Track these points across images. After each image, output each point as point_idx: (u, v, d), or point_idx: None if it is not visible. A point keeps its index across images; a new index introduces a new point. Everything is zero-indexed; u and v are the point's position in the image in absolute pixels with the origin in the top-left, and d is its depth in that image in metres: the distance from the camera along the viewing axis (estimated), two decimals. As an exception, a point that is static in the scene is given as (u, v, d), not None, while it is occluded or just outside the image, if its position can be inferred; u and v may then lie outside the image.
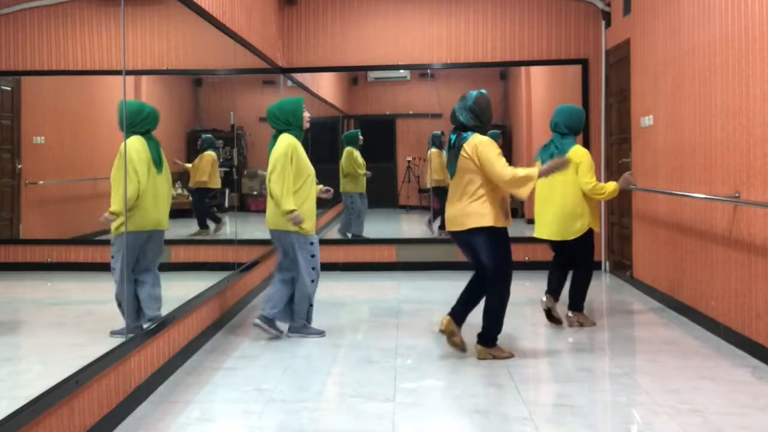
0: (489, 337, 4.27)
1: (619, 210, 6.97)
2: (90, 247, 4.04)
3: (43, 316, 3.65)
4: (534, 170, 4.15)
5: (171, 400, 3.67)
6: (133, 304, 3.80)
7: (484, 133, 4.23)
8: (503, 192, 4.20)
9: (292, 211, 4.56)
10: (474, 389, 3.79)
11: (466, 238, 4.23)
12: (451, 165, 4.27)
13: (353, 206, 8.29)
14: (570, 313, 5.09)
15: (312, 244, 4.77)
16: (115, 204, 3.66)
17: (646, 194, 6.07)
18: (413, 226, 9.28)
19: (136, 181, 3.74)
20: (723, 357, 4.30)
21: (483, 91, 4.28)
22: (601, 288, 6.62)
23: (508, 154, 8.14)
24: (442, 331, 4.36)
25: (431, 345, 4.63)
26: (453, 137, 4.28)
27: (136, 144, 3.81)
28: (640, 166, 6.26)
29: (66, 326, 3.64)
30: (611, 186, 4.88)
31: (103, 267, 3.96)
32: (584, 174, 4.83)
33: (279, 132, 4.75)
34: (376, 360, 4.32)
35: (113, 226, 3.69)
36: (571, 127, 4.96)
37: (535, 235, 5.12)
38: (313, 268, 4.77)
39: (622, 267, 6.89)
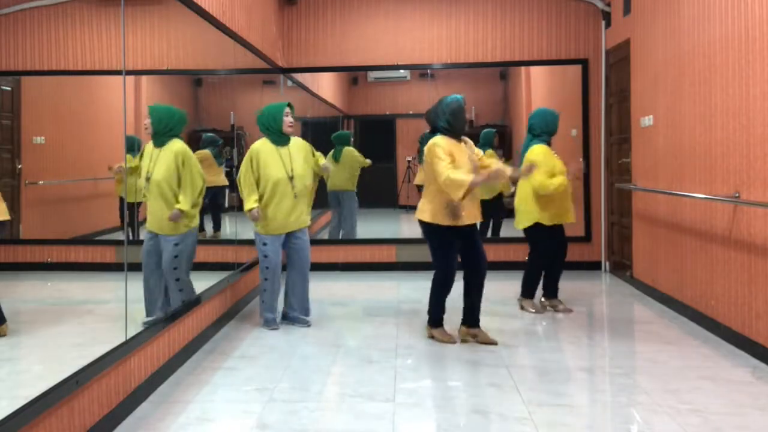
0: (432, 318, 4.76)
1: (619, 210, 6.97)
2: (90, 247, 4.04)
3: (43, 316, 3.64)
4: (470, 177, 4.34)
5: (171, 400, 3.67)
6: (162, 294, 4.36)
7: (456, 136, 4.56)
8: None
9: (250, 210, 4.94)
10: (474, 389, 3.79)
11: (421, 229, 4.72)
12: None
13: (354, 206, 8.30)
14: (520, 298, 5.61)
15: (265, 244, 5.05)
16: (187, 203, 4.28)
17: (646, 194, 6.07)
18: (413, 226, 9.27)
19: (202, 181, 4.40)
20: (723, 357, 4.30)
21: (458, 96, 4.58)
22: (601, 288, 6.62)
23: (508, 153, 8.14)
24: (464, 341, 4.67)
25: (431, 345, 4.63)
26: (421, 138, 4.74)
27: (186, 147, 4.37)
28: (640, 166, 6.26)
29: (66, 326, 3.64)
30: (558, 180, 5.20)
31: (104, 267, 3.96)
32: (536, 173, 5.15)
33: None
34: (376, 360, 4.32)
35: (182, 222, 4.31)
36: (545, 129, 5.35)
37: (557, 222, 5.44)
38: (266, 267, 5.07)
39: (622, 267, 6.88)
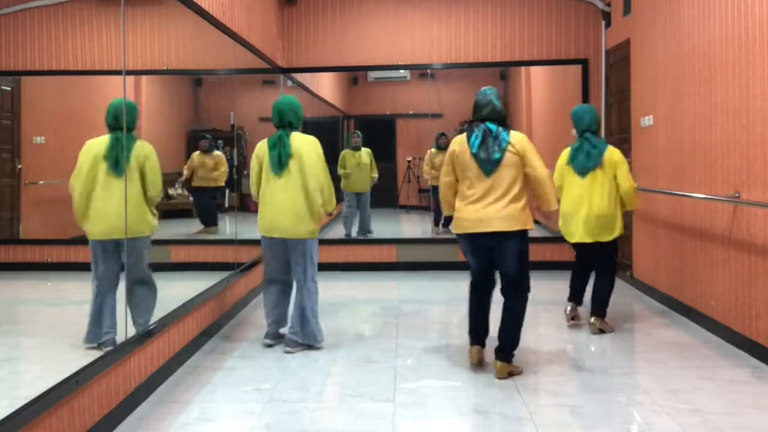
0: (512, 351, 3.99)
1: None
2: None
3: (43, 316, 3.64)
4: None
5: (171, 400, 3.67)
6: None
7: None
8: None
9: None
10: (474, 389, 3.79)
11: (503, 241, 3.87)
12: (491, 162, 3.86)
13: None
14: (593, 319, 4.89)
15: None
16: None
17: (646, 194, 6.07)
18: (413, 226, 9.29)
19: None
20: (723, 357, 4.30)
21: (486, 88, 4.09)
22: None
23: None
24: (475, 364, 4.10)
25: (431, 345, 4.63)
26: (493, 128, 3.90)
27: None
28: (640, 166, 6.26)
29: (66, 326, 3.64)
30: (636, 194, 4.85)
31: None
32: (627, 174, 4.74)
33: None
34: (376, 360, 4.32)
35: None
36: (597, 125, 4.90)
37: (571, 240, 4.89)
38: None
39: (622, 267, 6.88)
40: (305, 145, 4.43)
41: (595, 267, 4.98)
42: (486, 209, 3.87)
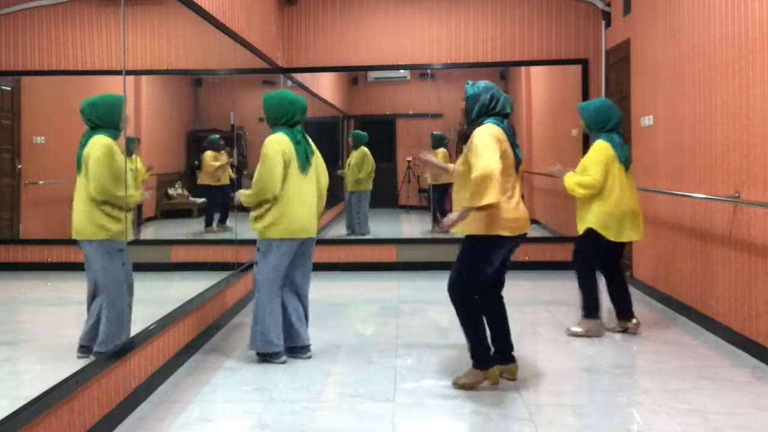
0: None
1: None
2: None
3: (43, 316, 3.64)
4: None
5: (171, 400, 3.67)
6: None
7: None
8: None
9: None
10: (474, 389, 3.79)
11: (520, 241, 3.81)
12: (519, 160, 3.80)
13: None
14: (635, 320, 4.85)
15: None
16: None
17: (646, 194, 6.07)
18: (413, 226, 9.28)
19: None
20: (723, 357, 4.30)
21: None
22: (601, 288, 6.60)
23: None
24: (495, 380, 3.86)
25: (431, 345, 4.63)
26: (511, 126, 3.85)
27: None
28: (640, 166, 6.26)
29: (66, 326, 3.64)
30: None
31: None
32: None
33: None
34: (376, 360, 4.32)
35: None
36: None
37: (622, 239, 4.70)
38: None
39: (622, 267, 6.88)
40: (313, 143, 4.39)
41: (615, 266, 4.91)
42: (523, 208, 3.74)
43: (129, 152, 3.86)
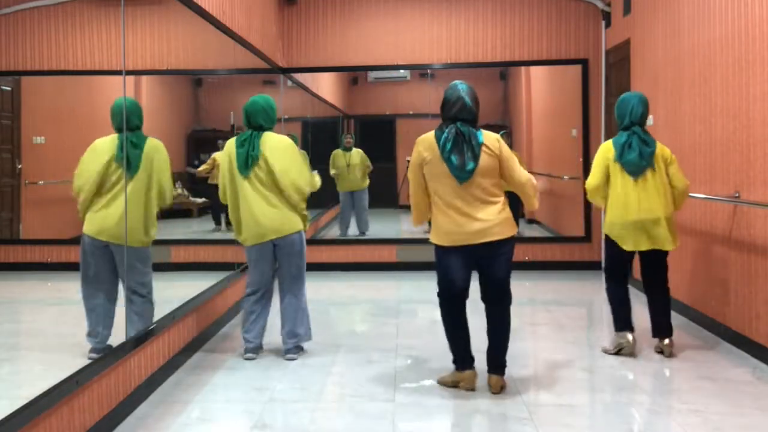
0: (505, 363, 3.75)
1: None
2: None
3: (43, 316, 3.64)
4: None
5: (171, 400, 3.67)
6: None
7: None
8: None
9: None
10: (474, 389, 3.79)
11: (498, 249, 3.61)
12: (466, 168, 3.52)
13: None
14: (667, 341, 4.37)
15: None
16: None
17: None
18: (413, 226, 9.29)
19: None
20: (723, 357, 4.30)
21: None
22: (601, 288, 6.59)
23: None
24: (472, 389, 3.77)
25: (431, 345, 4.63)
26: (465, 130, 3.56)
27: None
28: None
29: (66, 326, 3.64)
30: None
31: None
32: (681, 173, 4.30)
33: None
34: (376, 360, 4.32)
35: None
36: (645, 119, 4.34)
37: (635, 248, 4.32)
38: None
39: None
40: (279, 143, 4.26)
41: (650, 279, 4.47)
42: (471, 221, 3.53)
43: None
